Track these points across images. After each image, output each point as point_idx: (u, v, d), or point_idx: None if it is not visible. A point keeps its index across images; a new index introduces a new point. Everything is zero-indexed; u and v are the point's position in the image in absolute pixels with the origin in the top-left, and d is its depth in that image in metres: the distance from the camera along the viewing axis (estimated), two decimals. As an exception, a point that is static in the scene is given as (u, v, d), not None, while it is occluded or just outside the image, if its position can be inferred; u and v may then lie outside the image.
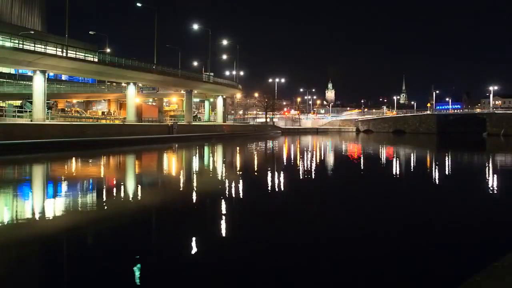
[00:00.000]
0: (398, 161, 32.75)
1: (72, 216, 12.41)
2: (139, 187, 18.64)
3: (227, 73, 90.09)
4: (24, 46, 41.63)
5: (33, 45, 42.53)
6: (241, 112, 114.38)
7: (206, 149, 43.80)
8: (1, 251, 9.16)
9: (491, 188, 18.28)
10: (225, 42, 79.30)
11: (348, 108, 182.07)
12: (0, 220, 11.60)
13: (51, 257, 8.88)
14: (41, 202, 14.80)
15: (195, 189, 17.74)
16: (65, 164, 28.26)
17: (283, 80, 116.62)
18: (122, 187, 18.64)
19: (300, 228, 10.95)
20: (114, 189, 17.50)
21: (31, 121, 43.81)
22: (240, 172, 23.71)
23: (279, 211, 13.04)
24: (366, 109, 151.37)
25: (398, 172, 24.67)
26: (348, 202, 14.99)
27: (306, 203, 14.47)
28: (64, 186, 18.01)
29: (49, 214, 12.71)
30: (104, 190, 17.16)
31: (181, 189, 17.97)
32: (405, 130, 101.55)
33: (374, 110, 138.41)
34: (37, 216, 12.47)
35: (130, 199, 15.39)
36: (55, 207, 13.71)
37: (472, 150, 49.03)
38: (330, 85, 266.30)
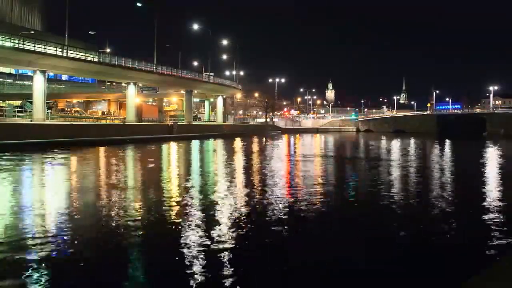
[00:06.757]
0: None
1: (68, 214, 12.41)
2: (143, 185, 18.64)
3: (227, 73, 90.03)
4: (24, 46, 41.62)
5: (33, 45, 42.52)
6: (241, 112, 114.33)
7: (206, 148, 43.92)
8: None
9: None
10: (225, 42, 79.27)
11: (348, 108, 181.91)
12: None
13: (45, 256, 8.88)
14: (39, 202, 14.80)
15: (195, 187, 17.73)
16: (64, 164, 28.22)
17: (283, 80, 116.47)
18: (122, 185, 18.62)
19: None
20: (115, 189, 17.48)
21: (31, 121, 43.81)
22: (239, 170, 23.72)
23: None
24: (366, 109, 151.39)
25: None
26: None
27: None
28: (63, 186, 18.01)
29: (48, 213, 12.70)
30: (105, 190, 17.15)
31: (183, 186, 17.98)
32: (405, 130, 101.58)
33: (374, 110, 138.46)
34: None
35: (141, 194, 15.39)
36: (55, 207, 13.70)
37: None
38: (330, 85, 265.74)
